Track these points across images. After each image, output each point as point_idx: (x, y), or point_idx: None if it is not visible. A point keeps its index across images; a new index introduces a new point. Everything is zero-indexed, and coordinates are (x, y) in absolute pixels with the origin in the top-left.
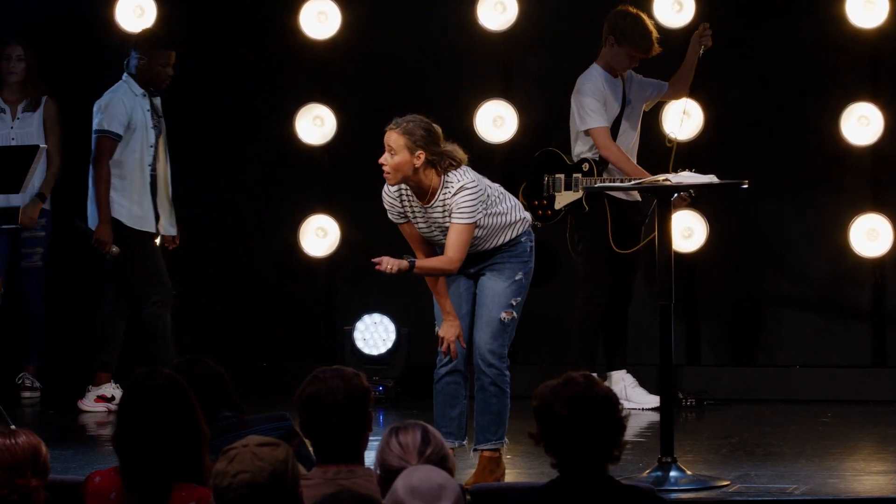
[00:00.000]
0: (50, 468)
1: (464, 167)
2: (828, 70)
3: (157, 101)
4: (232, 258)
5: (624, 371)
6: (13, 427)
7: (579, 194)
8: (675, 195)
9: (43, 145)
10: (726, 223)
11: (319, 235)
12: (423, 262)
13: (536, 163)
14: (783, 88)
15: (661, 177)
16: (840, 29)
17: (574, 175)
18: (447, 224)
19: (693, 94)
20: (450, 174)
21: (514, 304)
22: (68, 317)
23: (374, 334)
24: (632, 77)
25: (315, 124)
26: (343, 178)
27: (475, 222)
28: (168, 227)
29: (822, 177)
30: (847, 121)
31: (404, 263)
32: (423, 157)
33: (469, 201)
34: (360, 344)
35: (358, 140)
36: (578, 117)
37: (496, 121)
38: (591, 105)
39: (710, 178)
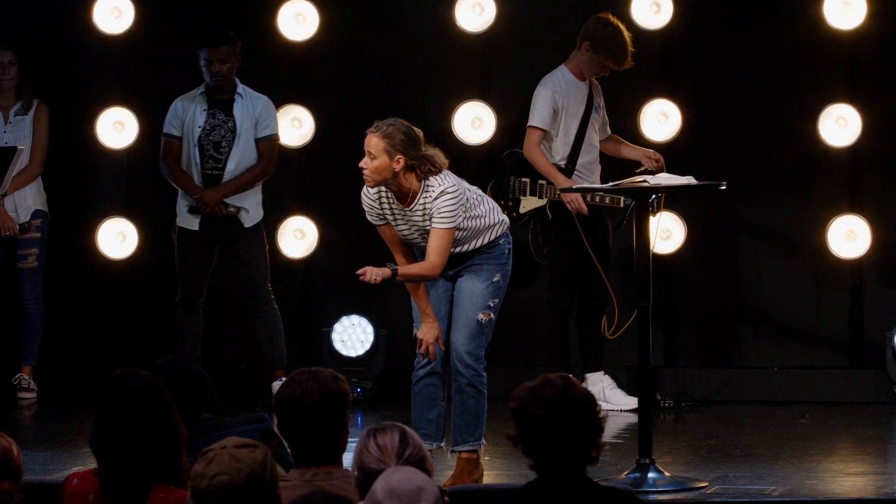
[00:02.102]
0: (23, 470)
1: (444, 171)
2: (805, 71)
3: (238, 103)
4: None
5: (602, 372)
6: None
7: (543, 201)
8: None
9: (21, 147)
10: (704, 225)
11: (297, 237)
12: (405, 269)
13: (504, 163)
14: (761, 90)
15: (638, 178)
16: (818, 30)
17: (539, 182)
18: (427, 227)
19: (671, 96)
20: (430, 178)
21: (492, 305)
22: (66, 318)
23: (353, 336)
24: (599, 88)
25: (293, 126)
26: (321, 179)
27: (456, 226)
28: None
29: (800, 178)
30: (825, 122)
31: (387, 272)
32: (402, 161)
33: (450, 205)
34: (338, 346)
35: (336, 142)
36: (531, 115)
37: (474, 122)
38: (541, 104)
39: (688, 180)
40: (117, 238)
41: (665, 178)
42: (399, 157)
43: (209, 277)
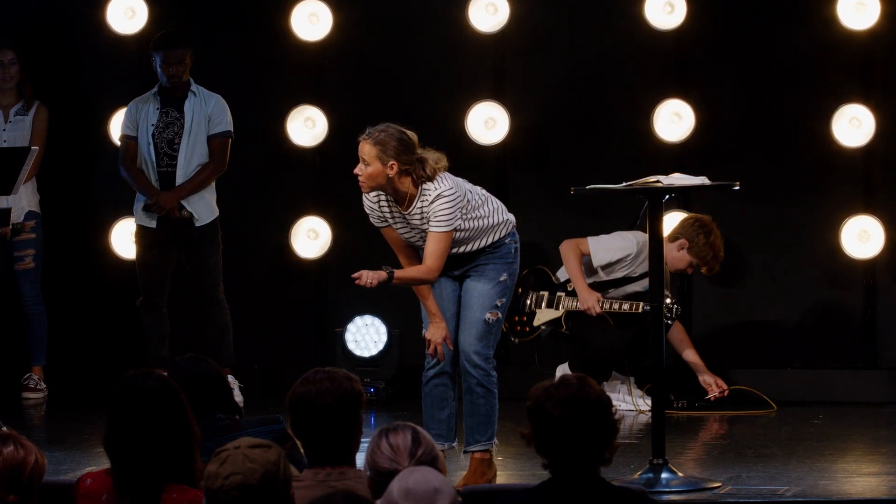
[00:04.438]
0: (39, 483)
1: (441, 174)
2: (819, 71)
3: (190, 99)
4: (224, 259)
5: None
6: (8, 433)
7: (560, 312)
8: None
9: (34, 147)
10: (718, 224)
11: (311, 237)
12: (401, 273)
13: (525, 280)
14: (775, 90)
15: (651, 178)
16: (832, 30)
17: (557, 294)
18: (426, 229)
19: (684, 96)
20: (427, 182)
21: (499, 304)
22: (78, 318)
23: (366, 336)
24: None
25: (306, 126)
26: (334, 179)
27: (453, 230)
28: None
29: (814, 178)
30: (839, 122)
31: (382, 275)
32: (395, 167)
33: (446, 209)
34: (351, 346)
35: (349, 141)
36: (598, 241)
37: (487, 122)
38: (614, 249)
39: (702, 180)
40: (130, 238)
41: (678, 179)
42: (392, 162)
43: (170, 277)
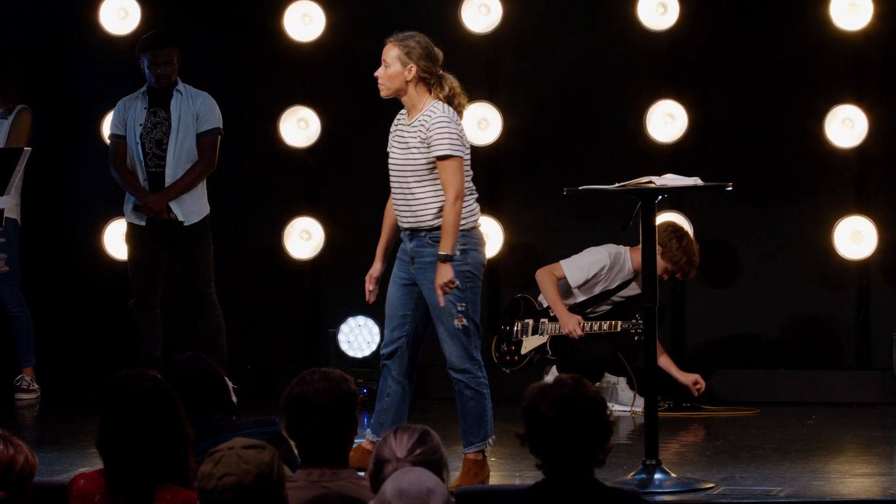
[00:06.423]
0: (30, 481)
1: (451, 110)
2: (812, 72)
3: (176, 98)
4: (216, 260)
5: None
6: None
7: (545, 339)
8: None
9: (27, 148)
10: (711, 225)
11: (304, 238)
12: (447, 240)
13: (510, 309)
14: (768, 90)
15: (644, 179)
16: (824, 31)
17: (541, 320)
18: (414, 147)
19: (677, 97)
20: (438, 103)
21: (462, 309)
22: (71, 319)
23: (359, 337)
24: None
25: (299, 126)
26: (328, 180)
27: (460, 156)
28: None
29: (807, 179)
30: (832, 123)
31: (442, 266)
32: (414, 70)
33: (445, 131)
34: (344, 346)
35: (342, 142)
36: (571, 261)
37: (481, 123)
38: (589, 266)
39: (695, 181)
40: (122, 239)
41: (671, 179)
42: (411, 65)
43: (163, 277)
